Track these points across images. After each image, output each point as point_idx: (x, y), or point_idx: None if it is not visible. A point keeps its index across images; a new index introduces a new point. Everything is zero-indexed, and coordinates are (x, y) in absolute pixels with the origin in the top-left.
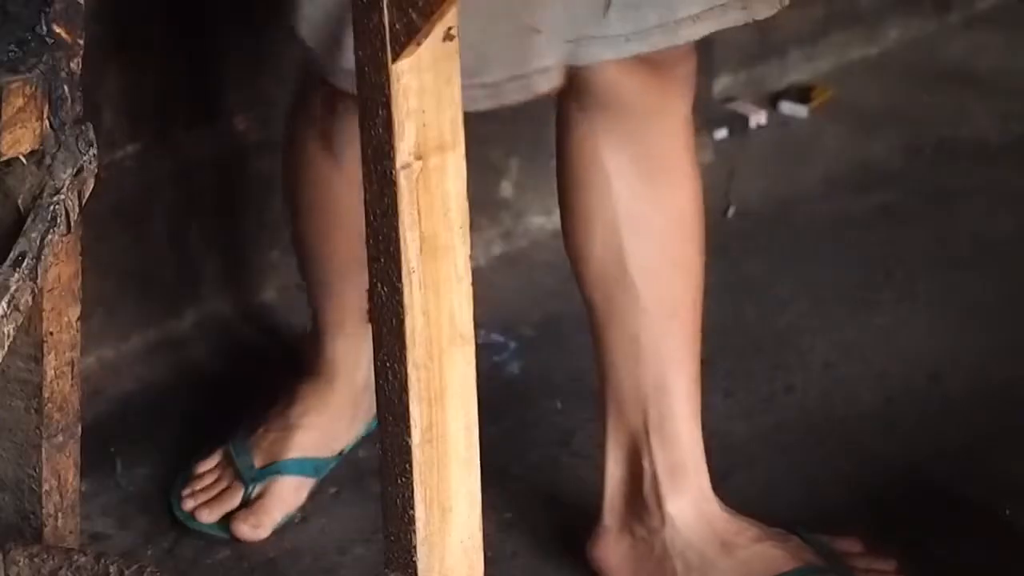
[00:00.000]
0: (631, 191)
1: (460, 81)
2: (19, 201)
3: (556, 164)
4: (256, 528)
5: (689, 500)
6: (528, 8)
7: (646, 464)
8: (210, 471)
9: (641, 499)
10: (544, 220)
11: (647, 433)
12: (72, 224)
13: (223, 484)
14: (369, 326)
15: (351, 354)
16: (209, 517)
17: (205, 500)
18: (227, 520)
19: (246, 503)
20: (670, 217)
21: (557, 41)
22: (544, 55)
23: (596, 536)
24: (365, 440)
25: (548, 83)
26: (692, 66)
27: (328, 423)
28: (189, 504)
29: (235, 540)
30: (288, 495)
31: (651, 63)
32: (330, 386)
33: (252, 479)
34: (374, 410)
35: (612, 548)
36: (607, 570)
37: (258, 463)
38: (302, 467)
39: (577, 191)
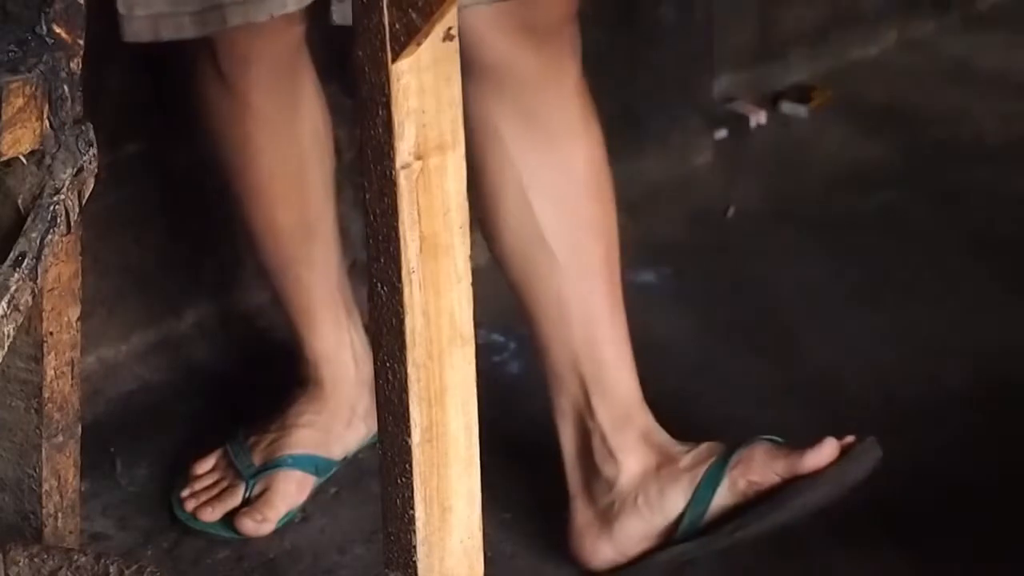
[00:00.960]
0: (532, 158)
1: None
2: (19, 201)
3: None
4: (261, 523)
5: (636, 440)
6: None
7: (591, 425)
8: (209, 471)
9: (594, 464)
10: None
11: (586, 393)
12: (72, 224)
13: (224, 483)
14: (342, 313)
15: (331, 348)
16: (211, 516)
17: (206, 499)
18: (229, 519)
19: (247, 501)
20: (573, 179)
21: None
22: None
23: (570, 529)
24: None
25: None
26: (571, 31)
27: (326, 422)
28: (190, 504)
29: (236, 540)
30: (290, 489)
31: (529, 31)
32: (320, 386)
33: (252, 476)
34: (374, 414)
35: (584, 533)
36: (588, 555)
37: (257, 462)
38: (302, 462)
39: (481, 166)
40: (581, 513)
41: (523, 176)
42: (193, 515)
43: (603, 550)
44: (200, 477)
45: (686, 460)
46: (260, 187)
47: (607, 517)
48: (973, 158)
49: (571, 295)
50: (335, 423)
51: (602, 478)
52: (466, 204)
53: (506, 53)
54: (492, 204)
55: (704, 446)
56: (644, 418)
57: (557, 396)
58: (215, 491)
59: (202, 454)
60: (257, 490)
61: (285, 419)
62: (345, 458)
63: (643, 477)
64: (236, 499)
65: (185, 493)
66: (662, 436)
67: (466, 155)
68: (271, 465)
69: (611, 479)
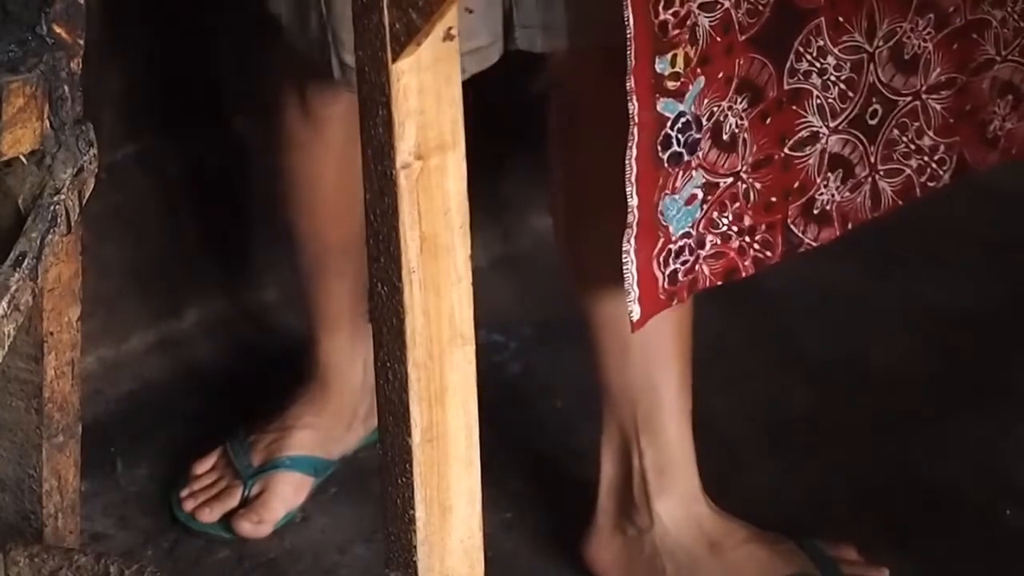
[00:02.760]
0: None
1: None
2: (19, 201)
3: (552, 173)
4: (258, 524)
5: (677, 500)
6: None
7: (636, 463)
8: (208, 471)
9: (631, 498)
10: (545, 220)
11: (636, 431)
12: (72, 224)
13: (222, 484)
14: (361, 325)
15: (344, 356)
16: (209, 517)
17: (205, 500)
18: (228, 519)
19: (246, 502)
20: None
21: (492, 22)
22: (478, 35)
23: (589, 536)
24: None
25: (478, 64)
26: None
27: (326, 424)
28: (189, 505)
29: (236, 540)
30: (288, 491)
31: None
32: (325, 389)
33: (250, 476)
34: (375, 416)
35: (604, 548)
36: (599, 570)
37: (256, 462)
38: (301, 464)
39: (575, 201)
40: (607, 538)
41: (611, 213)
42: (192, 515)
43: (616, 571)
44: (199, 477)
45: (730, 557)
46: (314, 206)
47: (634, 556)
48: None
49: (637, 335)
50: (336, 426)
51: (635, 520)
52: (466, 204)
53: (610, 99)
54: (578, 234)
55: (749, 554)
56: (689, 478)
57: (608, 422)
58: (213, 491)
59: (202, 454)
60: (255, 491)
61: (285, 420)
62: (343, 456)
63: (675, 546)
64: (234, 500)
65: (184, 493)
66: (704, 509)
67: (561, 186)
68: (269, 466)
69: (644, 526)
